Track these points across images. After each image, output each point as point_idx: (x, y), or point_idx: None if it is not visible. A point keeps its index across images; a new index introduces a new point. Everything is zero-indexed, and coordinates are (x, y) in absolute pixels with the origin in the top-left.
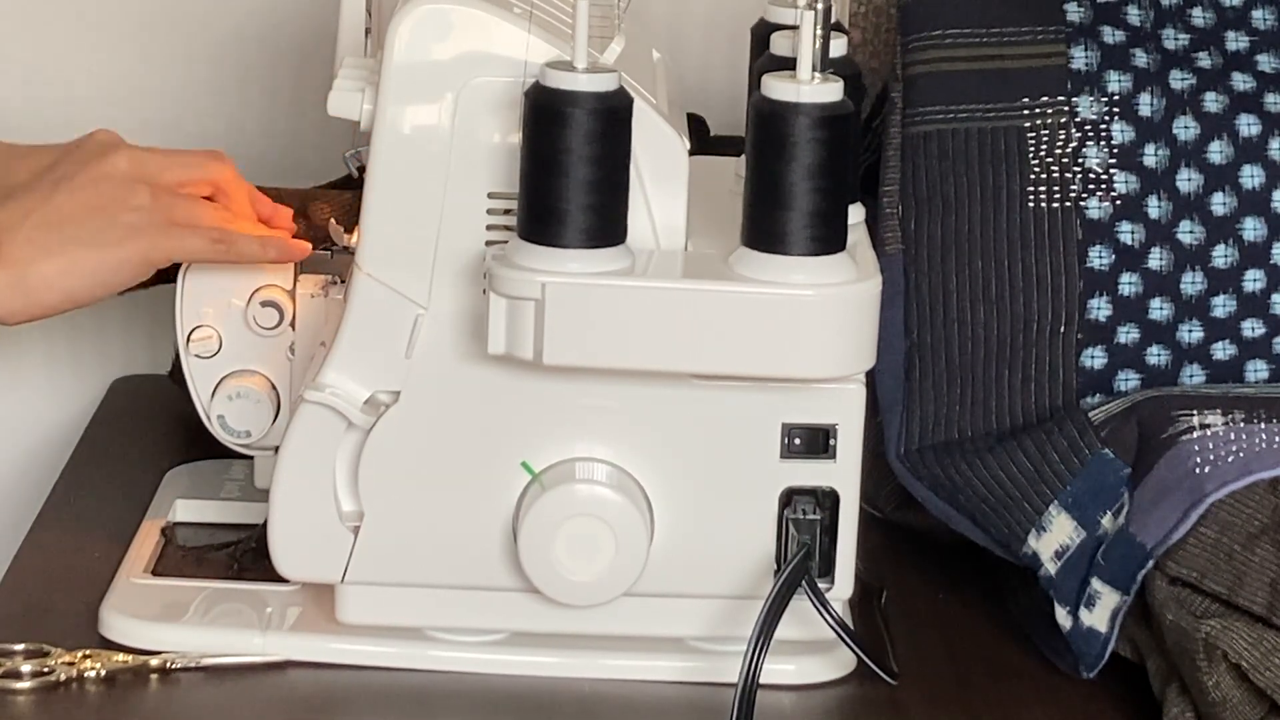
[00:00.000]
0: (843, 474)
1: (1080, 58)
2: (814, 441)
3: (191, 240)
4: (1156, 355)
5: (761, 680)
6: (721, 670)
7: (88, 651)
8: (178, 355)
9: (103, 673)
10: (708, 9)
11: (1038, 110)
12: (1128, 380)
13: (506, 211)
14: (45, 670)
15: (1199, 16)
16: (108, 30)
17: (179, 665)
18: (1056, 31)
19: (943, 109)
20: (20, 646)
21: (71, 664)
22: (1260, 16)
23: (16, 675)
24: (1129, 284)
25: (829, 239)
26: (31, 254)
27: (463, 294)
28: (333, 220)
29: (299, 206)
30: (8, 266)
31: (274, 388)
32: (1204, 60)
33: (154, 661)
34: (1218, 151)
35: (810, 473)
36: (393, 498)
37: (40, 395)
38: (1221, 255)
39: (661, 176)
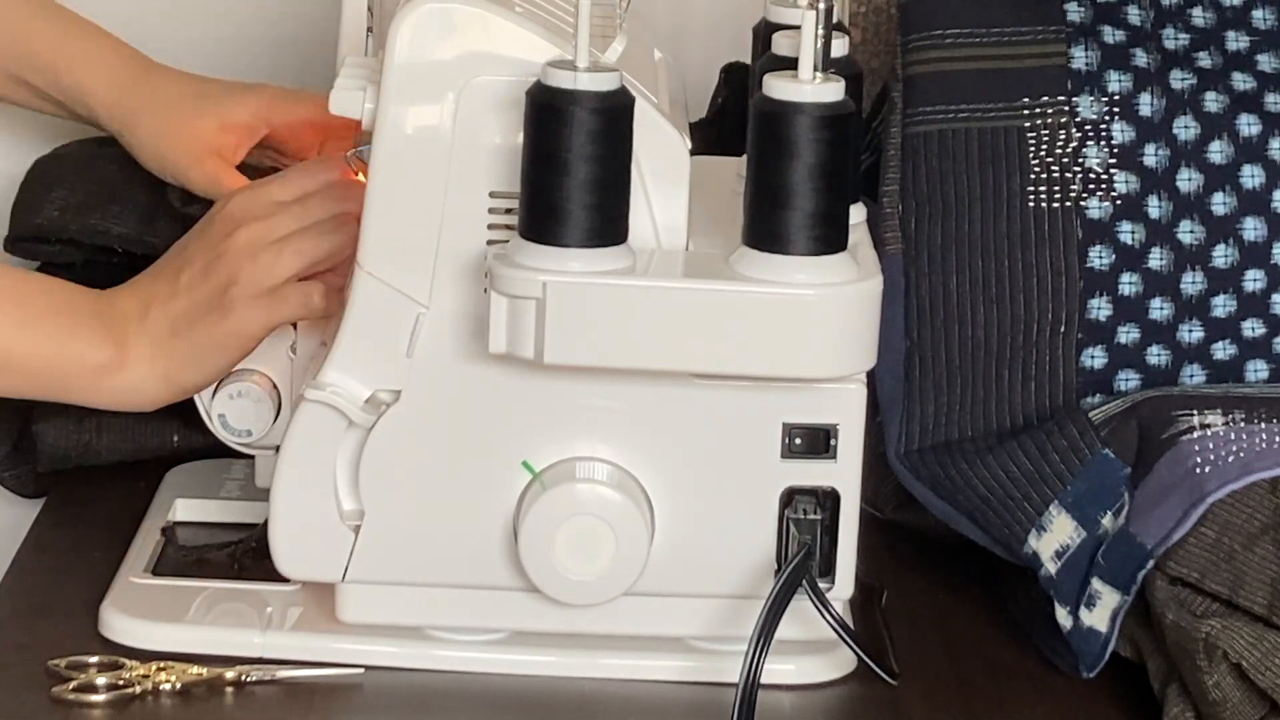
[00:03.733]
0: (843, 474)
1: (1080, 58)
2: (814, 441)
3: (283, 309)
4: (1156, 355)
5: (762, 680)
6: (722, 670)
7: (162, 664)
8: None
9: (177, 685)
10: (709, 9)
11: (1038, 110)
12: (1128, 380)
13: (508, 211)
14: (120, 683)
15: (1199, 16)
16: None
17: (254, 678)
18: (1056, 31)
19: (943, 109)
20: (95, 659)
21: (146, 676)
22: (1260, 16)
23: (92, 688)
24: (1129, 284)
25: (830, 239)
26: (149, 353)
27: (464, 293)
28: None
29: None
30: (129, 371)
31: (275, 387)
32: (1204, 60)
33: (229, 674)
34: (1218, 151)
35: (811, 473)
36: (393, 497)
37: None
38: (1221, 255)
39: (663, 176)
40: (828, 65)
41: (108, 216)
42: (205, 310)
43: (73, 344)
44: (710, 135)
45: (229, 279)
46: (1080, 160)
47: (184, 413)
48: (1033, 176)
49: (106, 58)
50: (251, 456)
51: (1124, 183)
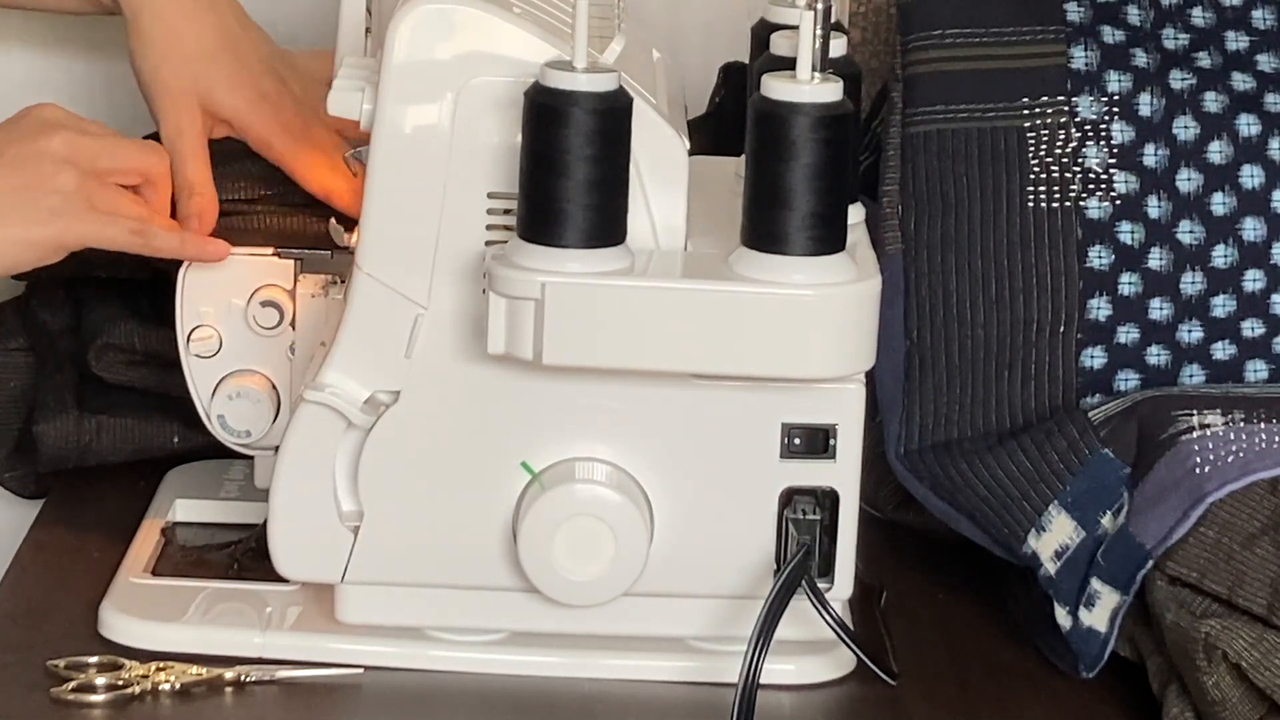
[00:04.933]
0: (843, 474)
1: (1080, 58)
2: (814, 441)
3: (109, 229)
4: (1156, 355)
5: (761, 680)
6: (721, 670)
7: (161, 664)
8: None
9: (177, 685)
10: (708, 9)
11: (1038, 110)
12: (1128, 380)
13: (506, 211)
14: (119, 683)
15: (1199, 16)
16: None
17: (253, 678)
18: (1056, 31)
19: (943, 109)
20: (94, 659)
21: (145, 676)
22: (1260, 16)
23: (91, 688)
24: (1129, 284)
25: (829, 239)
26: None
27: (463, 294)
28: (333, 220)
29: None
30: None
31: (274, 387)
32: (1204, 60)
33: (228, 674)
34: (1218, 151)
35: (810, 473)
36: (393, 497)
37: None
38: (1221, 255)
39: (661, 176)
40: (826, 65)
41: None
42: (24, 205)
43: None
44: (708, 131)
45: (52, 182)
46: (1080, 160)
47: (185, 413)
48: (1032, 176)
49: None
50: (251, 457)
51: (1124, 183)
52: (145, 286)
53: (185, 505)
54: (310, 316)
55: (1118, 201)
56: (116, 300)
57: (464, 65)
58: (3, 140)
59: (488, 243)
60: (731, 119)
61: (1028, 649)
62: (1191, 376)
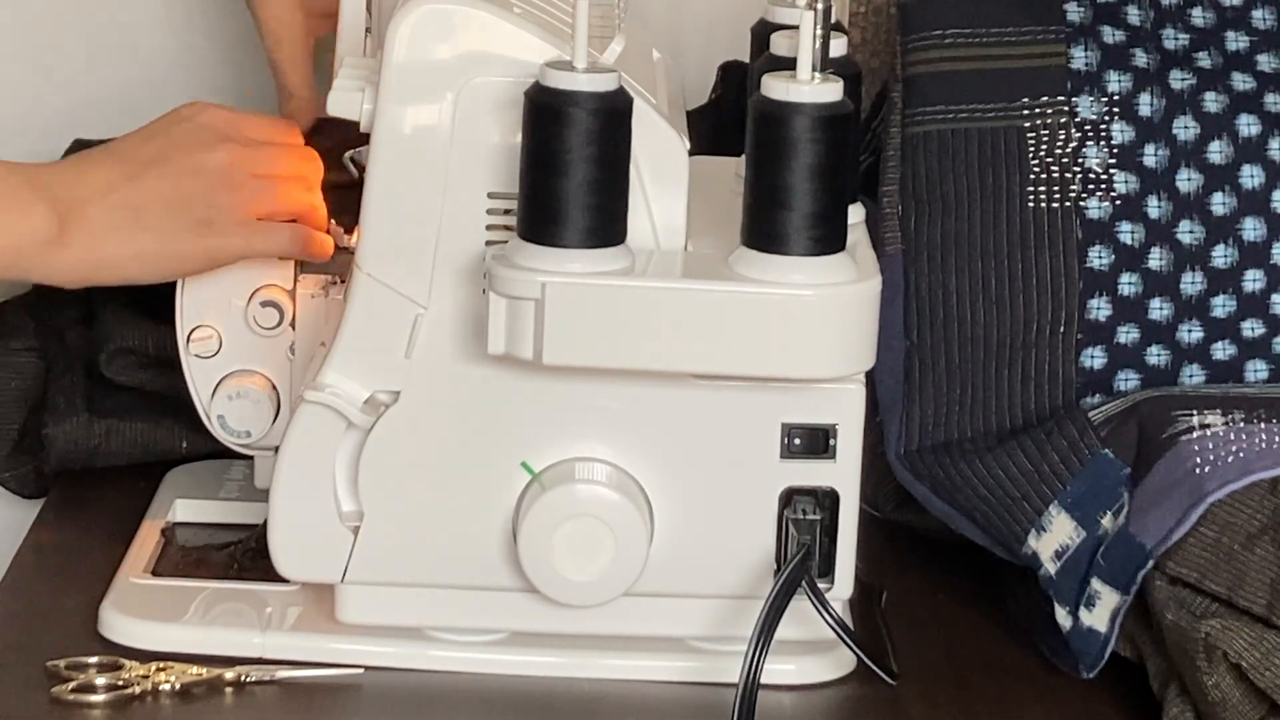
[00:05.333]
0: (843, 474)
1: (1080, 58)
2: (814, 441)
3: (263, 240)
4: (1156, 355)
5: (762, 680)
6: (722, 670)
7: (161, 664)
8: None
9: (177, 685)
10: (708, 9)
11: (1038, 110)
12: (1128, 380)
13: (506, 211)
14: (120, 683)
15: (1199, 16)
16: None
17: (253, 678)
18: (1056, 31)
19: (943, 109)
20: (94, 659)
21: (146, 676)
22: (1260, 16)
23: (91, 688)
24: (1129, 284)
25: (829, 239)
26: (101, 234)
27: (463, 294)
28: (333, 221)
29: None
30: (74, 247)
31: (274, 388)
32: (1204, 60)
33: (228, 674)
34: (1218, 151)
35: (810, 473)
36: (393, 498)
37: None
38: (1221, 255)
39: (661, 176)
40: (826, 65)
41: None
42: (179, 217)
43: (11, 216)
44: (706, 123)
45: (209, 196)
46: (1080, 160)
47: (194, 418)
48: (1032, 176)
49: None
50: (251, 457)
51: (1124, 183)
52: (159, 286)
53: (185, 505)
54: (310, 316)
55: (1118, 201)
56: (129, 301)
57: (464, 65)
58: (166, 148)
59: (488, 243)
60: (730, 113)
61: (1028, 649)
62: (1191, 377)
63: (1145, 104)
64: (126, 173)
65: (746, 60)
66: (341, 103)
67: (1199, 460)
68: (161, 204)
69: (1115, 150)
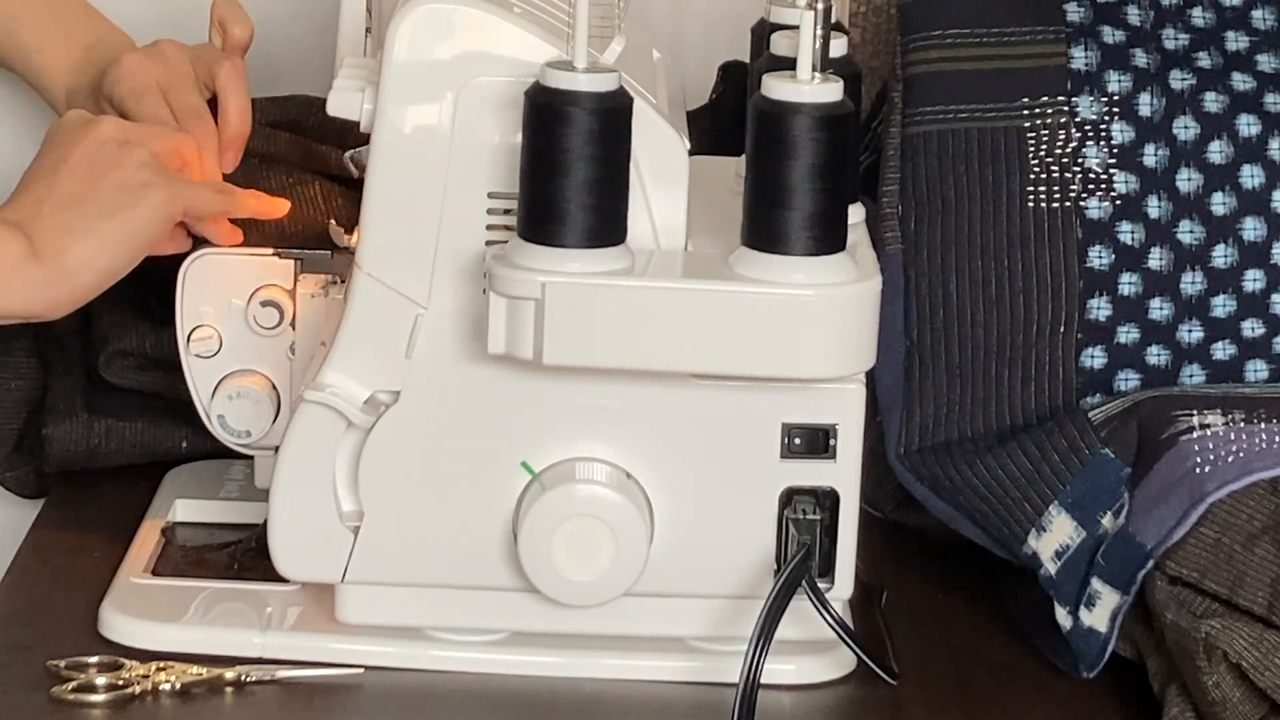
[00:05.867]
0: (843, 474)
1: (1080, 58)
2: (814, 441)
3: (199, 190)
4: (1156, 355)
5: (762, 680)
6: (722, 670)
7: (162, 664)
8: None
9: (177, 685)
10: (708, 9)
11: (1038, 110)
12: (1128, 380)
13: (506, 211)
14: (120, 683)
15: (1199, 16)
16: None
17: (254, 678)
18: (1056, 31)
19: (943, 109)
20: (94, 659)
21: (146, 676)
22: (1260, 16)
23: (92, 688)
24: (1129, 284)
25: (829, 239)
26: (59, 240)
27: (463, 294)
28: (333, 220)
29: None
30: (44, 258)
31: (274, 388)
32: (1204, 60)
33: (229, 674)
34: (1218, 151)
35: (810, 473)
36: (393, 498)
37: None
38: (1221, 255)
39: (661, 176)
40: (826, 65)
41: None
42: (115, 192)
43: None
44: (706, 123)
45: (125, 159)
46: (1080, 160)
47: (194, 418)
48: (1032, 176)
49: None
50: (251, 457)
51: (1124, 183)
52: (155, 287)
53: (185, 505)
54: (310, 316)
55: (1118, 201)
56: (126, 302)
57: (464, 65)
58: (58, 149)
59: (488, 243)
60: (730, 113)
61: (1028, 649)
62: (1191, 376)
63: (1145, 104)
64: (45, 184)
65: (746, 60)
66: (341, 103)
67: (1199, 460)
68: (91, 187)
69: (1115, 150)
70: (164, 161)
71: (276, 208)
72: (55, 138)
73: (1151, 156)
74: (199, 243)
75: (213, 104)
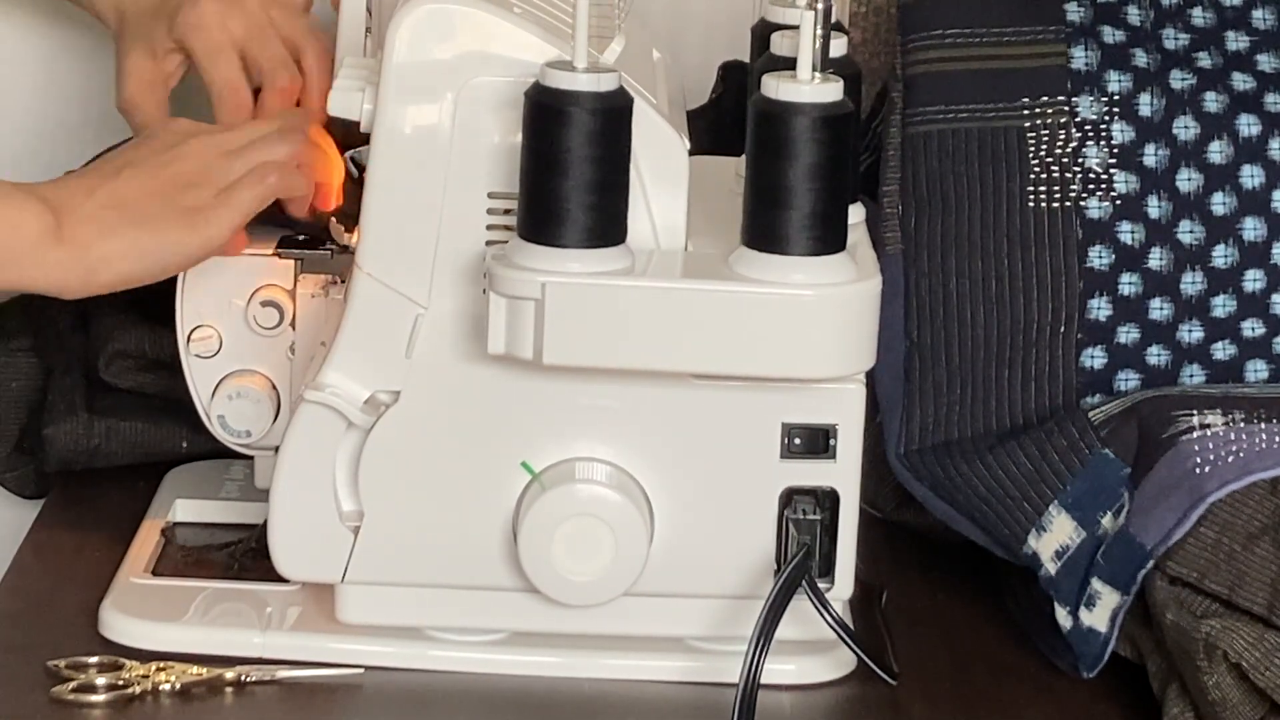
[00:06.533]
0: (843, 474)
1: (1080, 58)
2: (814, 441)
3: (245, 195)
4: (1156, 355)
5: (762, 680)
6: (722, 670)
7: (162, 664)
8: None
9: (177, 685)
10: (708, 9)
11: (1038, 110)
12: (1128, 380)
13: (506, 211)
14: (120, 683)
15: (1199, 16)
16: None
17: (254, 678)
18: (1056, 31)
19: (943, 109)
20: (94, 659)
21: (146, 676)
22: (1260, 16)
23: (92, 688)
24: (1129, 284)
25: (829, 239)
26: (92, 233)
27: (463, 294)
28: (333, 220)
29: None
30: (69, 245)
31: (274, 388)
32: (1204, 60)
33: (229, 674)
34: (1218, 151)
35: (810, 473)
36: (393, 498)
37: None
38: (1221, 255)
39: (661, 176)
40: (826, 65)
41: None
42: (165, 207)
43: (7, 211)
44: (707, 123)
45: (188, 181)
46: (1080, 160)
47: (194, 418)
48: (1033, 176)
49: None
50: (251, 457)
51: (1124, 183)
52: (155, 287)
53: (185, 505)
54: (310, 316)
55: (1118, 201)
56: (126, 303)
57: (464, 65)
58: (140, 152)
59: (488, 243)
60: (730, 113)
61: (1028, 649)
62: (1192, 376)
63: (1145, 104)
64: (105, 174)
65: (746, 60)
66: (341, 103)
67: (1199, 460)
68: (145, 196)
69: (1115, 150)
70: (232, 165)
71: (322, 174)
72: (142, 141)
73: (1152, 156)
74: None
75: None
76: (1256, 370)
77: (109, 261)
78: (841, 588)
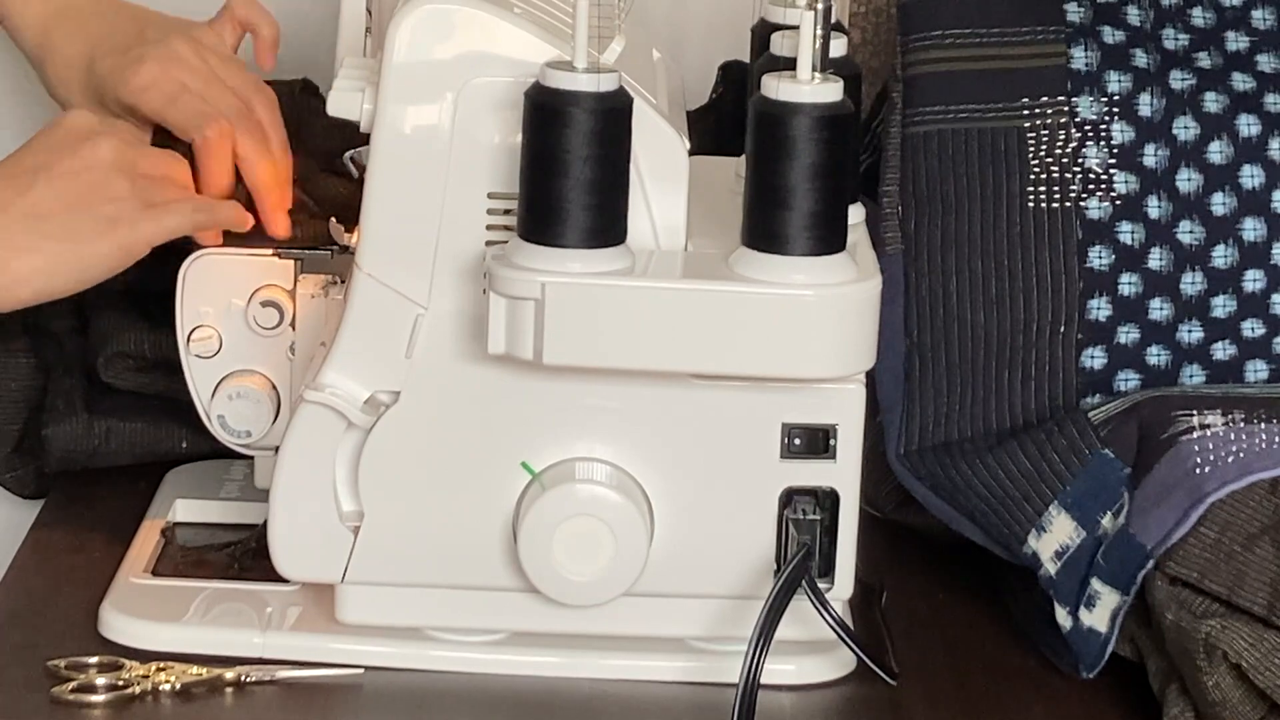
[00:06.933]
0: (843, 474)
1: (1080, 58)
2: (814, 441)
3: (171, 219)
4: (1156, 355)
5: (762, 680)
6: (722, 670)
7: (162, 664)
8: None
9: (177, 685)
10: (708, 9)
11: (1038, 110)
12: (1128, 380)
13: (506, 211)
14: (120, 683)
15: (1199, 16)
16: None
17: (254, 678)
18: (1056, 31)
19: (943, 109)
20: (94, 659)
21: (146, 676)
22: (1260, 16)
23: (92, 688)
24: (1129, 284)
25: (829, 239)
26: (8, 252)
27: (463, 294)
28: (333, 220)
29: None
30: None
31: (274, 388)
32: (1204, 60)
33: (229, 674)
34: (1218, 151)
35: (810, 473)
36: (393, 498)
37: None
38: (1221, 255)
39: (661, 176)
40: (826, 66)
41: None
42: (82, 218)
43: None
44: (707, 124)
45: (105, 189)
46: (1080, 160)
47: (193, 418)
48: (1032, 177)
49: None
50: (251, 457)
51: (1124, 183)
52: (154, 288)
53: (185, 505)
54: (310, 316)
55: (1118, 202)
56: (125, 305)
57: (464, 65)
58: (47, 154)
59: (488, 243)
60: (730, 113)
61: (1028, 649)
62: (1191, 377)
63: (1145, 104)
64: (16, 187)
65: (746, 60)
66: (341, 103)
67: (1199, 460)
68: (62, 208)
69: (1115, 150)
70: (151, 181)
71: (246, 221)
72: (49, 139)
73: (1151, 156)
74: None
75: None
76: (1256, 370)
77: (26, 279)
78: (841, 588)
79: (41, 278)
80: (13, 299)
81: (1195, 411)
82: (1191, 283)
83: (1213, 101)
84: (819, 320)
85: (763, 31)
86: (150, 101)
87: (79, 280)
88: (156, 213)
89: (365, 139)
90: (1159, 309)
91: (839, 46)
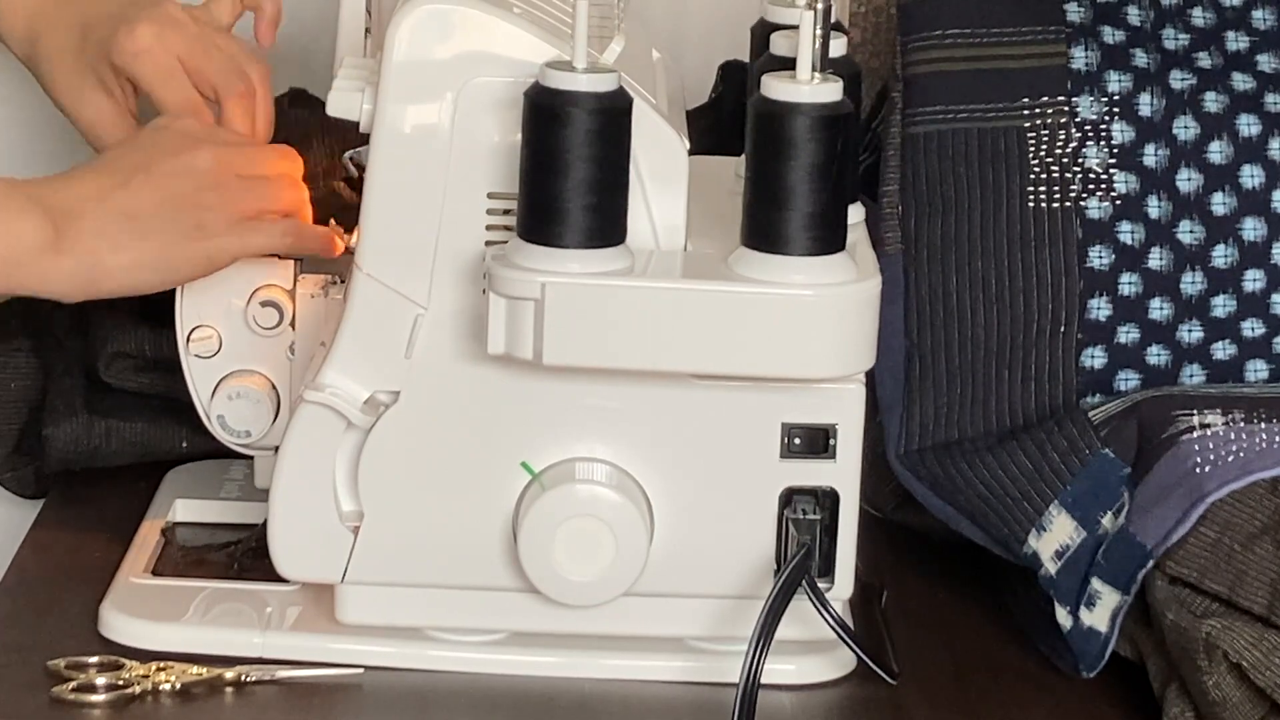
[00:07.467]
0: (843, 474)
1: (1080, 58)
2: (814, 441)
3: (256, 238)
4: (1156, 355)
5: (762, 680)
6: (722, 670)
7: (162, 664)
8: None
9: (177, 685)
10: (708, 9)
11: (1038, 110)
12: (1128, 380)
13: (506, 211)
14: (120, 683)
15: (1199, 16)
16: None
17: (253, 678)
18: (1056, 31)
19: (943, 109)
20: (95, 659)
21: (146, 676)
22: (1260, 16)
23: (92, 688)
24: (1129, 284)
25: (829, 239)
26: (99, 245)
27: (463, 294)
28: (333, 220)
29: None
30: (72, 254)
31: (274, 388)
32: (1204, 60)
33: (228, 674)
34: (1218, 151)
35: (810, 473)
36: (393, 498)
37: None
38: (1221, 255)
39: (661, 176)
40: (826, 65)
41: None
42: (174, 222)
43: (6, 217)
44: (707, 122)
45: (198, 197)
46: (1080, 160)
47: (194, 418)
48: (1032, 176)
49: None
50: (251, 457)
51: (1124, 183)
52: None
53: (185, 505)
54: (310, 316)
55: (1118, 201)
56: (125, 304)
57: (464, 65)
58: (149, 154)
59: (488, 243)
60: (730, 113)
61: (1028, 649)
62: (1191, 376)
63: (1145, 104)
64: (116, 181)
65: (746, 60)
66: (341, 103)
67: (1199, 460)
68: (154, 209)
69: (1115, 150)
70: (246, 191)
71: (337, 247)
72: (152, 140)
73: (1151, 156)
74: None
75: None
76: (1256, 370)
77: (112, 273)
78: (841, 588)
79: (129, 275)
80: (100, 291)
81: (1195, 411)
82: (1191, 282)
83: (1213, 101)
84: (819, 320)
85: (762, 31)
86: (141, 69)
87: (162, 281)
88: (243, 229)
89: (364, 139)
90: (1159, 309)
91: (839, 46)
